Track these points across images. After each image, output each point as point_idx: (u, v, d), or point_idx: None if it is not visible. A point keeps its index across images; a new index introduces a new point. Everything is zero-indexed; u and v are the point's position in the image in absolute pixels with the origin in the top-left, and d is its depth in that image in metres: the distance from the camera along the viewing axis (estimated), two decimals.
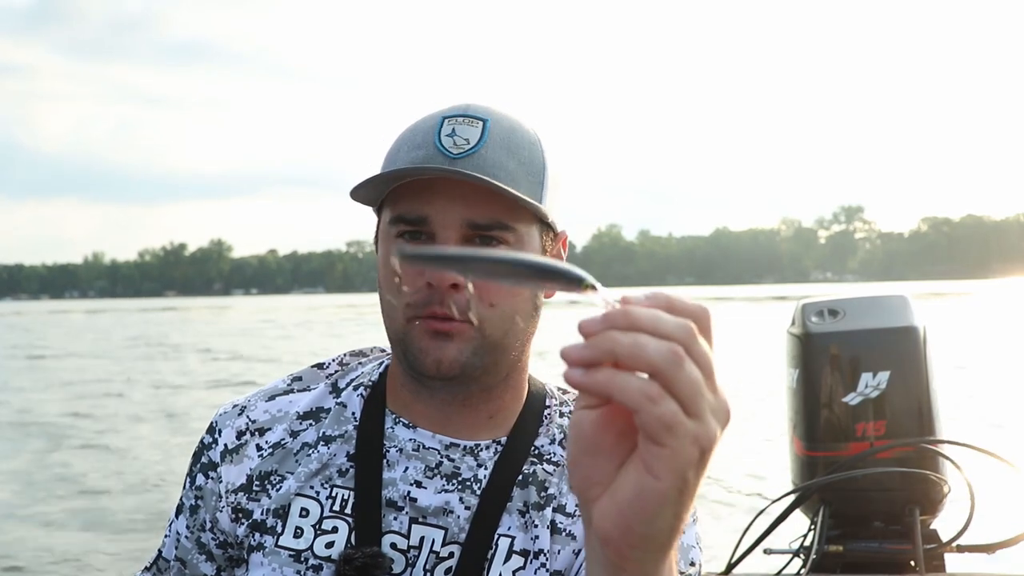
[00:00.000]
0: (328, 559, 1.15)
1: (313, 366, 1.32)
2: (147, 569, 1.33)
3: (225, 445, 1.24)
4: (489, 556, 1.15)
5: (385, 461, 1.19)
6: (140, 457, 10.88)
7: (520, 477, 1.19)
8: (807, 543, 2.51)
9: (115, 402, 16.10)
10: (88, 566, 6.92)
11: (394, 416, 1.22)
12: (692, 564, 1.15)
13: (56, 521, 8.22)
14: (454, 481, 1.18)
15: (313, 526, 1.17)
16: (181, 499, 1.28)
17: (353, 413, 1.23)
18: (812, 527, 2.53)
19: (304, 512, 1.18)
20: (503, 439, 1.21)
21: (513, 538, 1.17)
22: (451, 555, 1.16)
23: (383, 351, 1.33)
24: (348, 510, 1.17)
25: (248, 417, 1.25)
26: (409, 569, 1.15)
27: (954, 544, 2.45)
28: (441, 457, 1.19)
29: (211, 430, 1.27)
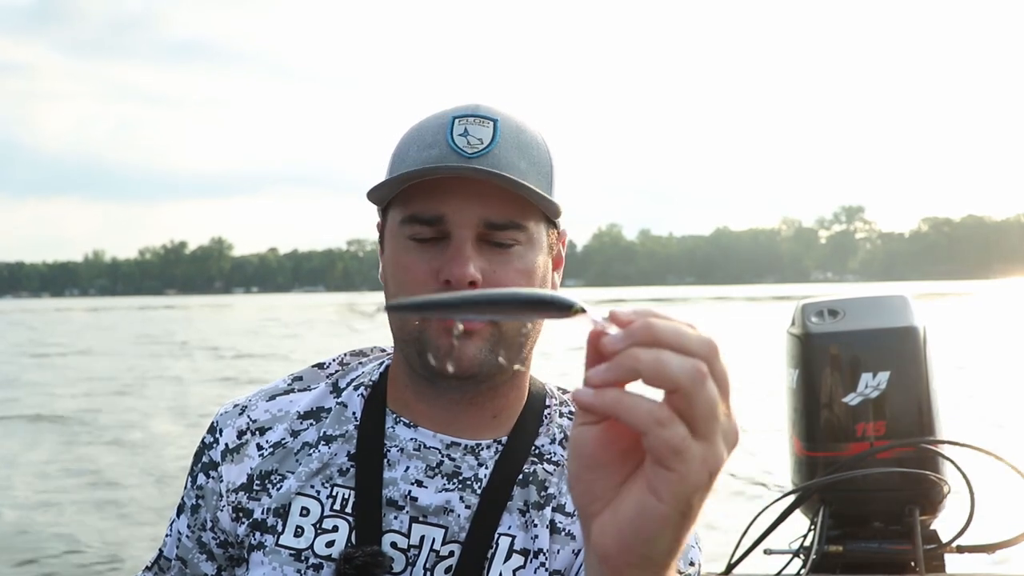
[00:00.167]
0: (328, 558, 1.15)
1: (314, 366, 1.32)
2: (148, 568, 1.33)
3: (226, 444, 1.24)
4: (489, 555, 1.15)
5: (386, 460, 1.19)
6: (161, 454, 10.90)
7: (520, 476, 1.19)
8: (807, 543, 2.51)
9: (129, 399, 16.09)
10: (114, 557, 7.00)
11: (395, 416, 1.22)
12: (692, 564, 1.15)
13: (75, 512, 8.29)
14: (455, 480, 1.18)
15: (314, 525, 1.17)
16: (182, 498, 1.29)
17: (354, 413, 1.23)
18: (812, 527, 2.52)
19: (305, 511, 1.18)
20: (504, 438, 1.21)
21: (513, 537, 1.17)
22: (451, 554, 1.16)
23: (383, 351, 1.33)
24: (348, 509, 1.17)
25: (249, 416, 1.26)
26: (409, 568, 1.15)
27: (954, 544, 2.45)
28: (442, 456, 1.19)
29: (212, 429, 1.27)
